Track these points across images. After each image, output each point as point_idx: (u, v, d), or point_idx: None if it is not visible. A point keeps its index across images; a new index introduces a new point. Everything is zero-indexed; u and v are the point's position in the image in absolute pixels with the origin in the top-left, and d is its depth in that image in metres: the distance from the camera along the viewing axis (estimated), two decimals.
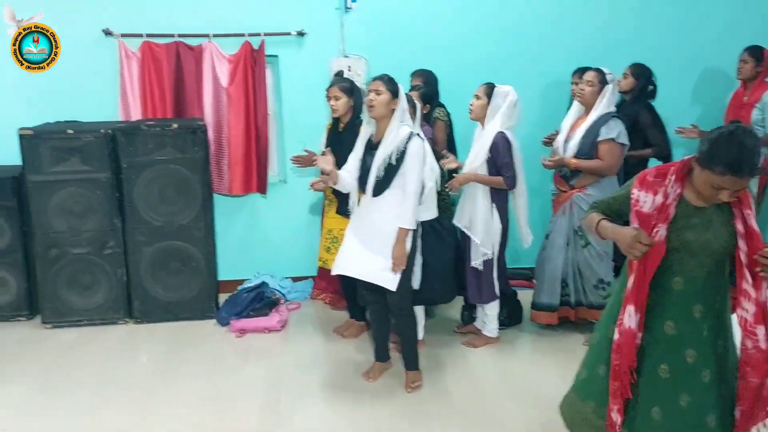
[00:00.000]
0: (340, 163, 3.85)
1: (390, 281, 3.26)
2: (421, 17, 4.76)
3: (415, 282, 3.49)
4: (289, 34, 4.66)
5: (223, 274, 4.73)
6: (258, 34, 4.57)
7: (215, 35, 4.56)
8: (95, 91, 4.58)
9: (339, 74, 4.21)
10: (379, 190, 3.25)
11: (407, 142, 3.21)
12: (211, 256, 4.40)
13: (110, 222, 4.23)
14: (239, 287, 4.62)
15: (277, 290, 4.61)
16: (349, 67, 4.62)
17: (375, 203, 3.29)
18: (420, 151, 3.23)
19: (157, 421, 3.19)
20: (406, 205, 3.22)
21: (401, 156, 3.19)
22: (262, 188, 4.75)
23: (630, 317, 2.09)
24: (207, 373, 3.68)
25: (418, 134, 3.30)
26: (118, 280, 4.29)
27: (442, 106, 4.32)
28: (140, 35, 4.49)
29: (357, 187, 3.40)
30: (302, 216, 4.92)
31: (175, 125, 4.21)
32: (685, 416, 2.09)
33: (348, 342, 4.07)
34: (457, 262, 3.85)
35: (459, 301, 4.22)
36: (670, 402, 2.10)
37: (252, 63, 4.58)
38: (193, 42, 4.57)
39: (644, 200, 2.09)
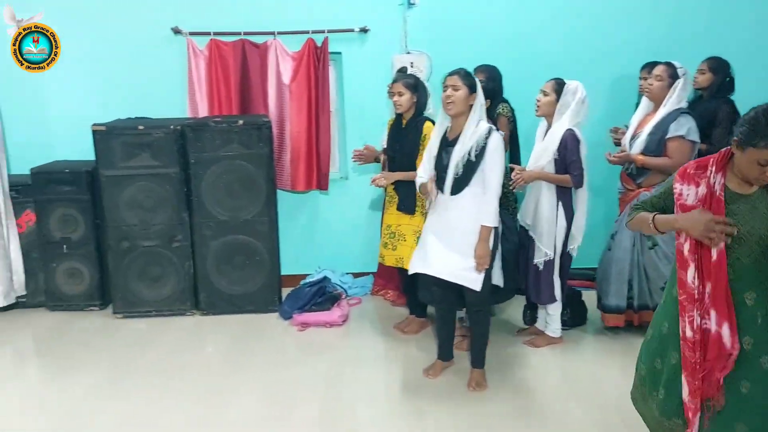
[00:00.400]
0: (400, 158, 3.87)
1: (474, 281, 3.23)
2: (484, 12, 4.72)
3: (498, 279, 3.46)
4: (352, 30, 4.68)
5: (285, 269, 4.80)
6: (321, 32, 4.62)
7: (280, 33, 4.63)
8: (164, 88, 4.73)
9: (402, 70, 4.21)
10: (458, 187, 3.20)
11: (487, 138, 3.16)
12: (275, 251, 4.47)
13: (178, 216, 4.35)
14: (301, 282, 4.68)
15: (339, 285, 4.66)
16: (412, 63, 4.61)
17: (453, 201, 3.23)
18: (500, 147, 3.19)
19: (222, 410, 3.27)
20: (488, 202, 3.18)
21: (481, 152, 3.15)
22: (322, 184, 4.80)
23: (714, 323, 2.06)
24: (270, 366, 3.75)
25: (496, 129, 3.25)
26: (185, 272, 4.41)
27: (506, 101, 4.27)
28: (208, 33, 4.61)
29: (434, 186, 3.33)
30: (363, 212, 4.95)
31: (240, 121, 4.30)
32: (748, 403, 2.07)
33: (408, 338, 4.07)
34: (518, 260, 3.80)
35: (520, 301, 4.17)
36: (731, 390, 2.08)
37: (315, 60, 4.63)
38: (258, 40, 4.65)
39: (687, 193, 2.11)
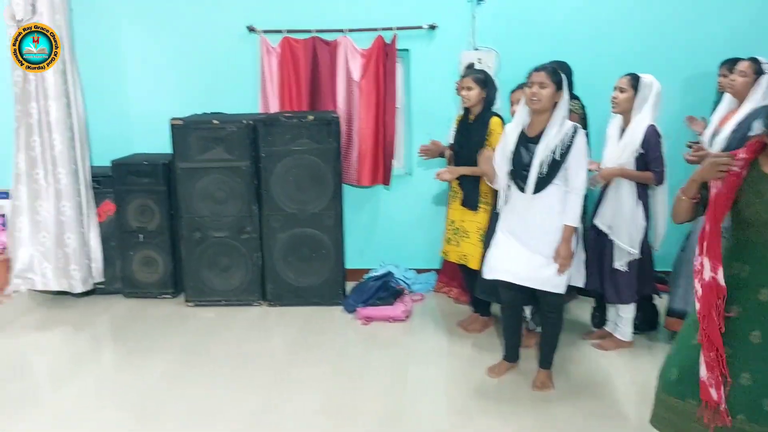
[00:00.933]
0: (466, 153, 3.85)
1: (558, 285, 3.18)
2: (554, 8, 4.65)
3: (580, 280, 3.40)
4: (420, 27, 4.70)
5: (349, 263, 4.85)
6: (390, 29, 4.65)
7: (350, 30, 4.69)
8: (237, 84, 4.88)
9: (470, 66, 4.19)
10: (540, 186, 3.13)
11: (573, 137, 3.10)
12: (340, 245, 4.53)
13: (248, 208, 4.46)
14: (365, 276, 4.73)
15: (402, 281, 4.67)
16: (479, 60, 4.58)
17: (534, 200, 3.15)
18: (585, 146, 3.13)
19: (287, 400, 3.33)
20: (572, 201, 3.12)
21: (567, 150, 3.08)
22: (386, 179, 4.83)
23: (707, 269, 2.05)
24: (334, 358, 3.80)
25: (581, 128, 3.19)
26: (253, 263, 4.52)
27: (577, 98, 4.18)
28: (280, 31, 4.72)
29: (508, 183, 3.27)
30: (427, 208, 4.96)
31: (311, 117, 4.38)
32: (758, 353, 2.01)
33: (471, 336, 4.05)
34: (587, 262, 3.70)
35: (587, 302, 4.08)
36: (760, 369, 2.01)
37: (384, 57, 4.67)
38: (328, 37, 4.73)
39: None
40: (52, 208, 4.35)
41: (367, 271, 4.86)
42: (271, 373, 3.61)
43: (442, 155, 4.15)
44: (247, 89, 4.86)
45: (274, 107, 4.80)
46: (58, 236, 4.37)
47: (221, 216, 4.47)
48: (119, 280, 4.73)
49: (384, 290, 4.40)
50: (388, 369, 3.66)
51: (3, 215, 4.50)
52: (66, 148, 4.32)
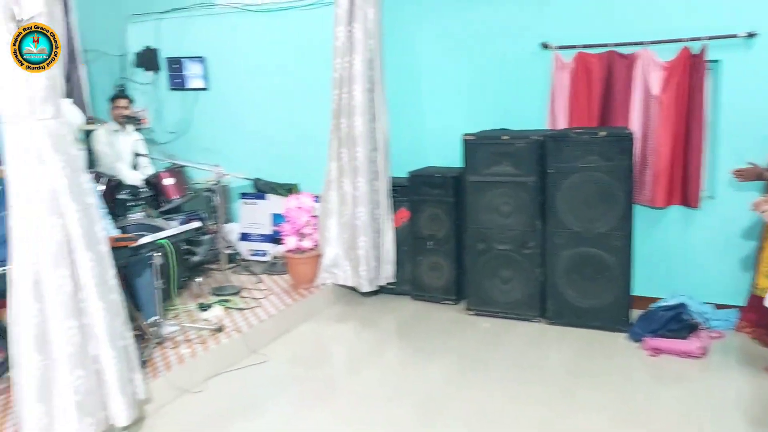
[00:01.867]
0: None
1: None
2: None
3: None
4: (735, 36, 4.24)
5: (636, 289, 4.55)
6: (699, 38, 4.28)
7: (651, 42, 4.44)
8: (525, 100, 4.94)
9: None
10: None
11: None
12: (627, 268, 4.28)
13: (532, 223, 4.47)
14: (652, 305, 4.40)
15: (698, 314, 4.24)
16: None
17: None
18: None
19: (569, 417, 3.26)
20: None
21: None
22: (691, 201, 4.45)
23: None
24: (619, 386, 3.60)
25: None
26: (534, 279, 4.51)
27: None
28: (574, 47, 4.65)
29: None
30: (732, 237, 4.43)
31: (602, 133, 4.23)
32: None
33: None
34: None
35: None
36: None
37: (689, 69, 4.32)
38: (626, 50, 4.53)
39: None
40: (351, 214, 4.84)
41: (655, 299, 4.51)
42: (553, 390, 3.56)
43: (760, 177, 3.69)
44: (534, 105, 4.89)
45: (562, 123, 4.74)
46: (353, 239, 4.85)
47: (505, 229, 4.55)
48: (408, 282, 5.09)
49: (676, 322, 4.04)
50: (680, 407, 3.35)
51: (316, 216, 5.15)
52: (367, 161, 4.77)
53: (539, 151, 4.40)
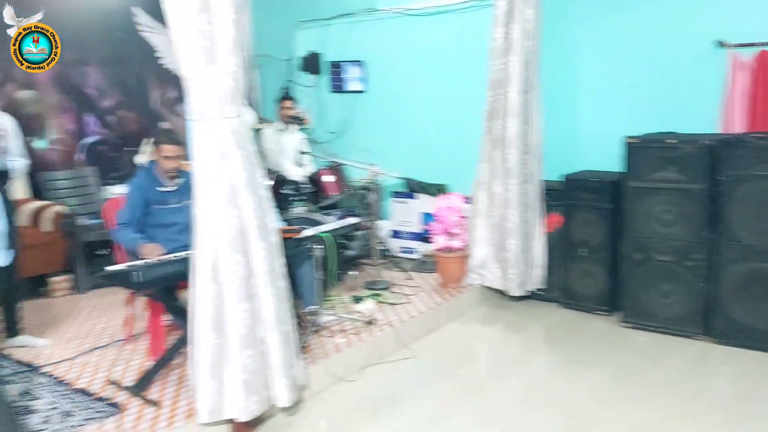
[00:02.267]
0: None
1: None
2: None
3: None
4: None
5: None
6: None
7: None
8: (694, 102, 4.64)
9: None
10: None
11: None
12: None
13: (698, 234, 4.18)
14: None
15: None
16: None
17: None
18: None
19: None
20: None
21: None
22: None
23: None
24: None
25: None
26: (698, 293, 4.22)
27: None
28: (755, 44, 4.28)
29: None
30: None
31: None
32: None
33: None
34: None
35: None
36: None
37: None
38: None
39: None
40: (500, 216, 4.80)
41: None
42: (718, 415, 3.32)
43: None
44: (704, 108, 4.57)
45: (738, 127, 4.39)
46: (502, 241, 4.80)
47: (667, 239, 4.29)
48: (557, 289, 4.95)
49: None
50: None
51: (466, 217, 5.16)
52: (518, 162, 4.70)
53: (709, 157, 4.10)
